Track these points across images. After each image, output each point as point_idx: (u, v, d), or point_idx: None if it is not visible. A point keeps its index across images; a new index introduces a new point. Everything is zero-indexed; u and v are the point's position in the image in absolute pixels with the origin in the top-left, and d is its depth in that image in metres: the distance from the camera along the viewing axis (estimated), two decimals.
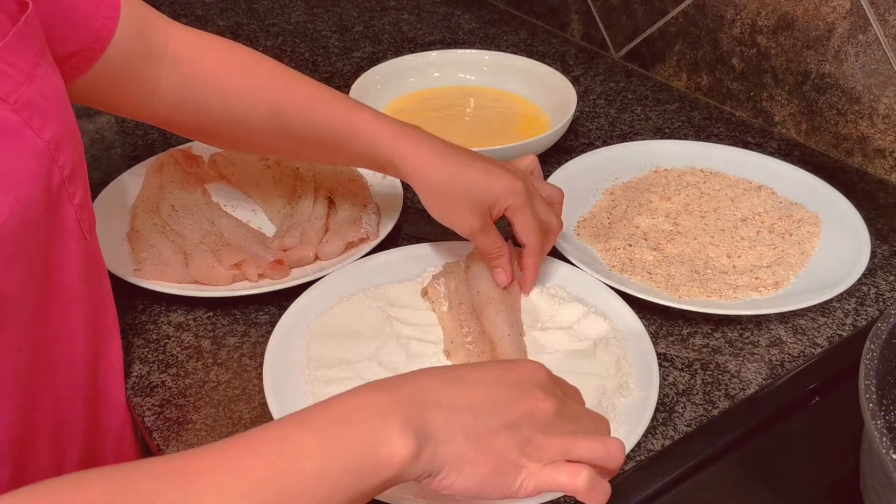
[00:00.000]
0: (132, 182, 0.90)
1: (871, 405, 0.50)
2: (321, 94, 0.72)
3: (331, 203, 0.86)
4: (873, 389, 0.51)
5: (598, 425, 0.52)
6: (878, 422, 0.49)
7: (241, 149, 0.85)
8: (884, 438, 0.48)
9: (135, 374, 0.70)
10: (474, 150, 0.88)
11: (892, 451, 0.47)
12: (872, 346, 0.54)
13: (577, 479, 0.47)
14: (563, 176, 0.89)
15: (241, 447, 0.43)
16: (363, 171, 0.91)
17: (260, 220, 0.87)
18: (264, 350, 0.68)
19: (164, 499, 0.39)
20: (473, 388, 0.48)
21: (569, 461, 0.48)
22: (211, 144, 0.79)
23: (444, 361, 0.69)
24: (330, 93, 0.72)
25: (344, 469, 0.43)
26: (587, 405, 0.63)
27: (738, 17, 1.03)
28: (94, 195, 0.86)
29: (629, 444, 0.60)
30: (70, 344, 0.59)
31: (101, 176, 0.92)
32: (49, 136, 0.52)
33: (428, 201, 0.71)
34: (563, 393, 0.52)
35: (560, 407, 0.49)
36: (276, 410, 0.62)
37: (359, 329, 0.71)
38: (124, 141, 1.03)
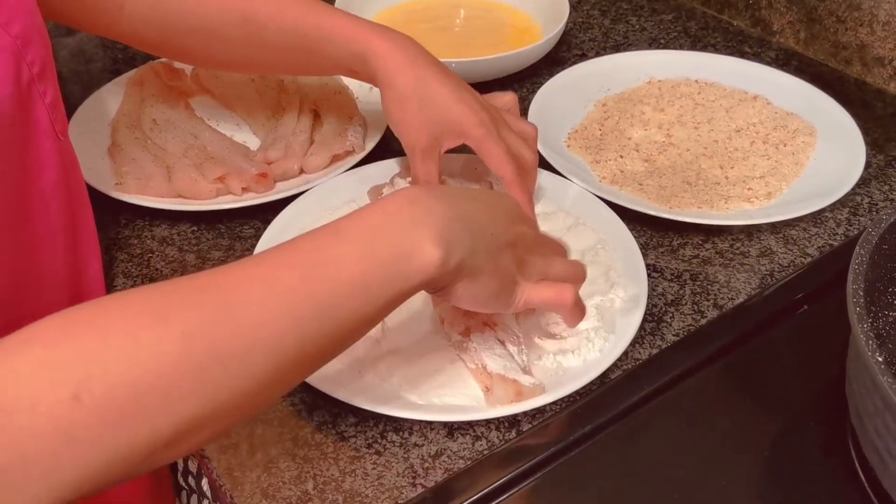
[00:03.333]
0: (112, 96, 0.88)
1: (858, 309, 0.50)
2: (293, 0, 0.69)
3: (316, 116, 0.84)
4: (861, 294, 0.51)
5: (561, 249, 0.60)
6: (865, 325, 0.48)
7: (214, 65, 0.82)
8: (870, 342, 0.48)
9: (118, 288, 0.69)
10: (465, 60, 0.86)
11: (877, 354, 0.47)
12: (862, 251, 0.54)
13: (564, 294, 0.54)
14: (555, 87, 0.87)
15: (278, 260, 0.44)
16: (349, 84, 0.89)
17: (244, 134, 0.85)
18: None
19: (206, 310, 0.40)
20: (481, 209, 0.52)
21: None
22: (183, 62, 0.77)
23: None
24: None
25: (379, 276, 0.45)
26: None
27: None
28: (74, 109, 0.85)
29: (616, 353, 0.60)
30: (51, 245, 0.58)
31: (80, 90, 0.90)
32: (17, 31, 0.51)
33: (387, 104, 0.68)
34: (536, 228, 0.58)
35: (536, 233, 0.56)
36: None
37: None
38: (104, 54, 1.00)
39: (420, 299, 0.65)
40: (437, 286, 0.49)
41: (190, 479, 0.75)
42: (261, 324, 0.41)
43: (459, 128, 0.66)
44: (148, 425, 0.38)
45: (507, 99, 0.73)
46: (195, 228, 0.75)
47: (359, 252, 0.45)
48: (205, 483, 0.71)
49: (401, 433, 0.58)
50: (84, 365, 0.37)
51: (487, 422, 0.58)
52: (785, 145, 0.81)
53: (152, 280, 0.70)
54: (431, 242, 0.46)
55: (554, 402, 0.58)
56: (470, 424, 0.58)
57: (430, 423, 0.58)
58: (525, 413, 0.58)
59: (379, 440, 0.57)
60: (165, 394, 0.38)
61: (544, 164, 0.77)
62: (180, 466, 0.77)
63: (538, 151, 0.73)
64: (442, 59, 0.88)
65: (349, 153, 0.80)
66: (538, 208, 0.74)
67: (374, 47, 0.66)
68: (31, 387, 0.36)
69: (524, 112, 0.85)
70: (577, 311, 0.56)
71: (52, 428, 0.35)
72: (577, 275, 0.58)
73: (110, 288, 0.69)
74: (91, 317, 0.39)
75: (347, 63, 0.68)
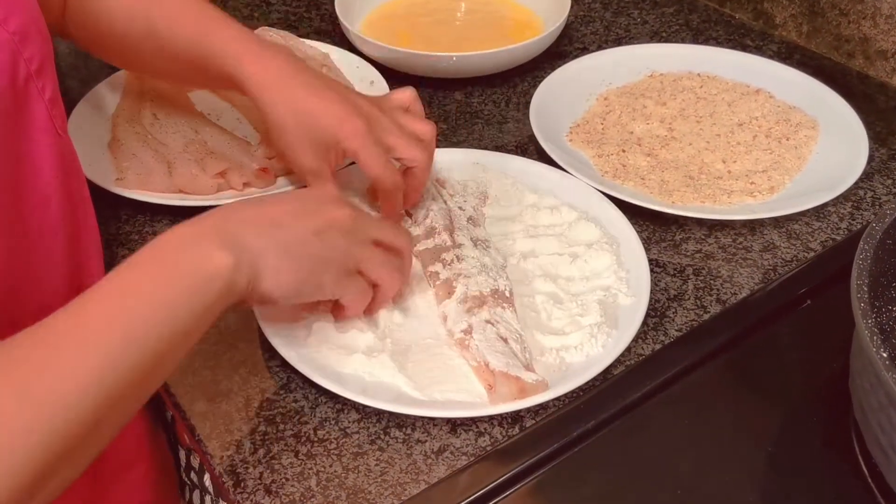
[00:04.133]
0: (112, 91, 0.88)
1: (862, 304, 0.50)
2: (191, 7, 0.68)
3: None
4: (865, 289, 0.51)
5: (398, 233, 0.60)
6: (869, 321, 0.48)
7: (136, 69, 0.81)
8: (874, 337, 0.47)
9: None
10: (465, 54, 0.86)
11: (881, 350, 0.47)
12: (866, 247, 0.53)
13: (348, 312, 0.60)
14: (556, 81, 0.87)
15: (85, 306, 0.45)
16: (350, 78, 0.89)
17: (245, 128, 0.85)
18: None
19: (28, 367, 0.41)
20: (274, 206, 0.54)
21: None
22: (117, 65, 0.78)
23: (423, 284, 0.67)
24: (200, 5, 0.68)
25: (180, 291, 0.47)
26: (578, 310, 0.63)
27: None
28: (74, 104, 0.84)
29: (619, 349, 0.60)
30: (51, 241, 0.58)
31: (80, 85, 0.89)
32: (14, 27, 0.51)
33: (269, 131, 0.66)
34: (357, 209, 0.58)
35: (354, 214, 0.56)
36: (261, 315, 0.62)
37: None
38: None
39: (422, 297, 0.65)
40: (243, 290, 0.50)
41: (192, 475, 0.75)
42: (78, 369, 0.42)
43: (336, 139, 0.64)
44: (23, 470, 0.39)
45: (403, 97, 0.70)
46: None
47: (154, 277, 0.47)
48: (207, 479, 0.72)
49: (404, 429, 0.57)
50: None
51: (490, 418, 0.58)
52: (787, 139, 0.81)
53: None
54: (219, 249, 0.48)
55: (557, 398, 0.58)
56: (473, 420, 0.58)
57: (433, 419, 0.58)
58: (528, 409, 0.58)
59: (382, 436, 0.57)
60: (24, 446, 0.39)
61: (546, 159, 0.77)
62: (183, 462, 0.77)
63: (434, 151, 0.69)
64: (442, 53, 0.88)
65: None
66: (542, 201, 0.73)
67: (245, 69, 0.65)
68: None
69: (526, 105, 0.85)
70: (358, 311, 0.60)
71: None
72: (390, 263, 0.59)
73: None
74: None
75: (230, 82, 0.66)
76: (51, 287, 0.59)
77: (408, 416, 0.58)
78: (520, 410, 0.57)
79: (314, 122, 0.64)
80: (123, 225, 0.75)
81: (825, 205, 0.74)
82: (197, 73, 0.69)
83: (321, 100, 0.64)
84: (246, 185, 0.76)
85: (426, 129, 0.68)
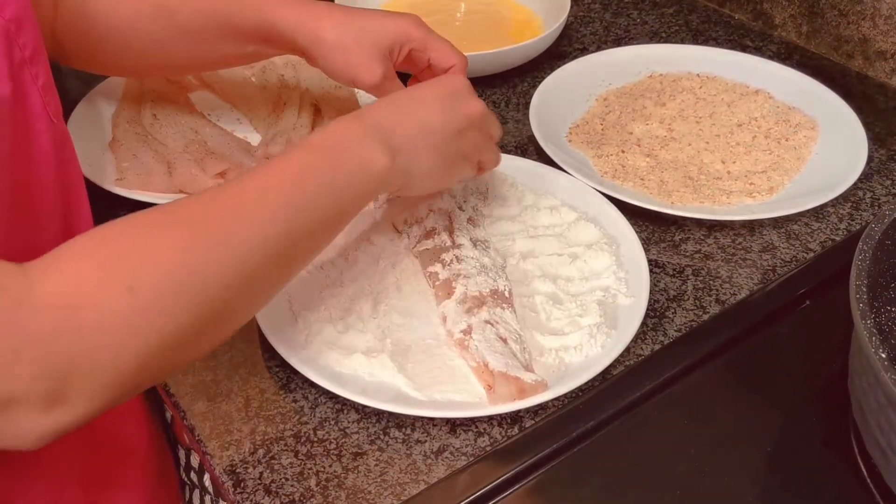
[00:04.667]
0: (112, 91, 0.88)
1: (861, 305, 0.50)
2: None
3: (317, 111, 0.84)
4: (864, 290, 0.51)
5: (498, 127, 0.67)
6: (868, 321, 0.48)
7: (136, 68, 0.80)
8: (873, 338, 0.48)
9: None
10: (465, 55, 0.86)
11: (880, 350, 0.47)
12: (865, 247, 0.54)
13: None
14: (556, 81, 0.87)
15: (268, 172, 0.52)
16: None
17: (245, 129, 0.85)
18: None
19: (218, 217, 0.48)
20: (423, 108, 0.60)
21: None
22: (112, 73, 0.79)
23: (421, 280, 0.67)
24: None
25: (346, 176, 0.54)
26: (577, 310, 0.63)
27: None
28: (74, 105, 0.84)
29: (618, 349, 0.60)
30: (45, 231, 0.58)
31: (80, 85, 0.89)
32: (9, 15, 0.51)
33: (324, 61, 0.67)
34: (482, 103, 0.63)
35: (486, 109, 0.63)
36: (261, 315, 0.62)
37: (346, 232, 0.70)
38: None
39: (422, 298, 0.65)
40: (395, 183, 0.58)
41: (192, 474, 0.75)
42: (259, 221, 0.49)
43: (402, 35, 0.67)
44: (190, 310, 0.45)
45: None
46: None
47: (327, 163, 0.54)
48: (207, 478, 0.72)
49: (403, 429, 0.58)
50: (130, 263, 0.43)
51: (490, 418, 0.58)
52: (787, 140, 0.81)
53: None
54: (380, 152, 0.55)
55: (556, 399, 0.58)
56: (472, 421, 0.58)
57: (433, 419, 0.58)
58: (527, 409, 0.58)
59: (381, 436, 0.57)
60: (199, 283, 0.45)
61: (545, 159, 0.77)
62: (183, 461, 0.77)
63: None
64: None
65: None
66: (542, 202, 0.73)
67: (284, 12, 0.66)
68: (89, 285, 0.42)
69: (525, 105, 0.85)
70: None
71: (114, 319, 0.42)
72: (498, 152, 0.67)
73: None
74: (121, 230, 0.46)
75: (263, 34, 0.68)
76: None
77: (407, 417, 0.58)
78: (519, 411, 0.58)
79: (376, 28, 0.66)
80: None
81: (824, 205, 0.74)
82: (226, 47, 0.71)
83: (367, 14, 0.68)
84: None
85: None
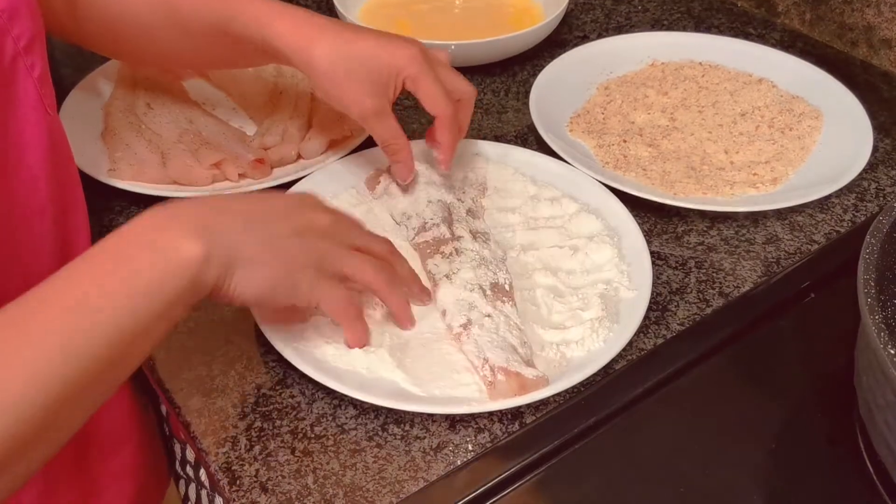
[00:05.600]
0: (105, 79, 0.86)
1: (869, 300, 0.49)
2: None
3: (313, 100, 0.83)
4: (872, 284, 0.50)
5: (374, 241, 0.58)
6: (876, 317, 0.47)
7: (151, 61, 0.79)
8: (882, 333, 0.47)
9: None
10: (465, 42, 0.84)
11: (889, 346, 0.46)
12: (873, 241, 0.52)
13: (349, 311, 0.56)
14: (557, 70, 0.86)
15: (36, 303, 0.43)
16: None
17: (240, 118, 0.84)
18: None
19: None
20: (255, 203, 0.53)
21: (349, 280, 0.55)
22: (125, 61, 0.77)
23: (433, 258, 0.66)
24: None
25: (141, 284, 0.44)
26: (578, 304, 0.62)
27: None
28: (67, 93, 0.83)
29: (621, 343, 0.59)
30: (37, 223, 0.57)
31: (73, 73, 0.88)
32: (2, 6, 0.50)
33: (316, 83, 0.64)
34: (337, 214, 0.57)
35: (335, 219, 0.55)
36: (256, 313, 0.60)
37: None
38: None
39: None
40: (213, 285, 0.48)
41: (188, 468, 0.74)
42: (29, 363, 0.40)
43: (395, 70, 0.62)
44: None
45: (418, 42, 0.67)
46: None
47: (114, 266, 0.44)
48: (203, 473, 0.71)
49: (402, 425, 0.57)
50: None
51: (490, 414, 0.57)
52: (791, 129, 0.80)
53: None
54: (189, 237, 0.46)
55: (558, 394, 0.57)
56: (472, 416, 0.57)
57: (432, 415, 0.57)
58: (528, 405, 0.57)
59: (380, 433, 0.56)
60: None
61: (546, 149, 0.76)
62: (178, 455, 0.76)
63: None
64: (441, 42, 0.87)
65: (348, 138, 0.78)
66: (542, 193, 0.72)
67: (277, 27, 0.63)
68: None
69: (525, 94, 0.84)
70: (356, 328, 0.57)
71: None
72: (377, 271, 0.56)
73: None
74: None
75: (259, 46, 0.65)
76: (36, 267, 0.58)
77: (406, 413, 0.57)
78: (520, 406, 0.57)
79: (369, 58, 0.62)
80: (116, 217, 0.74)
81: (829, 196, 0.73)
82: (225, 50, 0.68)
83: (368, 37, 0.63)
84: (242, 176, 0.75)
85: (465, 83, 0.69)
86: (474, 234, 0.66)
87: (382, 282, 0.57)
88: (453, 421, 0.57)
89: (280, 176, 0.75)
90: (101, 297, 0.43)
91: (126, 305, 0.43)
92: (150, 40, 0.69)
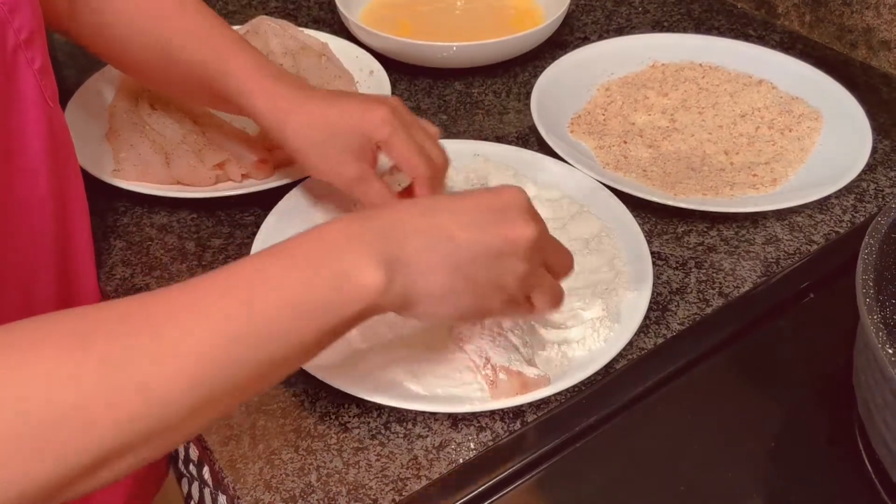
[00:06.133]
0: (109, 80, 0.87)
1: (867, 300, 0.49)
2: (205, 30, 0.66)
3: None
4: (871, 284, 0.50)
5: (566, 256, 0.55)
6: (875, 316, 0.48)
7: (135, 75, 0.78)
8: (880, 333, 0.47)
9: (118, 276, 0.68)
10: (466, 44, 0.85)
11: (887, 346, 0.46)
12: (871, 241, 0.53)
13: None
14: (557, 71, 0.86)
15: (211, 284, 0.41)
16: (349, 67, 0.88)
17: (242, 119, 0.83)
18: (249, 252, 0.66)
19: (130, 338, 0.38)
20: (453, 216, 0.47)
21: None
22: (114, 66, 0.76)
23: None
24: (215, 27, 0.67)
25: (315, 299, 0.42)
26: (579, 304, 0.62)
27: None
28: (71, 94, 0.83)
29: (621, 343, 0.59)
30: (37, 217, 0.57)
31: (77, 74, 0.88)
32: None
33: (296, 157, 0.64)
34: (540, 219, 0.51)
35: (539, 234, 0.49)
36: None
37: None
38: None
39: None
40: (391, 304, 0.45)
41: (191, 466, 0.75)
42: (185, 353, 0.38)
43: (366, 135, 0.61)
44: (61, 456, 0.35)
45: (391, 101, 0.65)
46: (195, 216, 0.74)
47: (292, 277, 0.42)
48: (206, 471, 0.71)
49: (404, 424, 0.57)
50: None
51: (492, 412, 0.57)
52: (790, 130, 0.81)
53: (151, 269, 0.69)
54: (369, 263, 0.43)
55: (559, 393, 0.57)
56: (474, 415, 0.57)
57: (434, 413, 0.57)
58: (530, 404, 0.57)
59: (382, 431, 0.57)
60: (80, 424, 0.36)
61: (547, 150, 0.76)
62: (181, 454, 0.76)
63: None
64: (442, 43, 0.87)
65: None
66: (543, 194, 0.73)
67: (255, 101, 0.63)
68: None
69: (527, 95, 0.84)
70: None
71: None
72: (553, 304, 0.54)
73: (109, 277, 0.68)
74: (11, 340, 0.37)
75: (231, 100, 0.65)
76: (36, 260, 0.58)
77: (409, 411, 0.57)
78: (522, 405, 0.57)
79: (340, 127, 0.62)
80: (121, 217, 0.74)
81: (828, 197, 0.74)
82: (210, 98, 0.69)
83: (338, 105, 0.62)
84: (245, 176, 0.75)
85: (433, 129, 0.66)
86: None
87: (552, 309, 0.55)
88: (455, 420, 0.57)
89: (283, 176, 0.75)
90: (270, 296, 0.41)
91: (296, 310, 0.41)
92: (135, 60, 0.70)
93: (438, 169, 0.64)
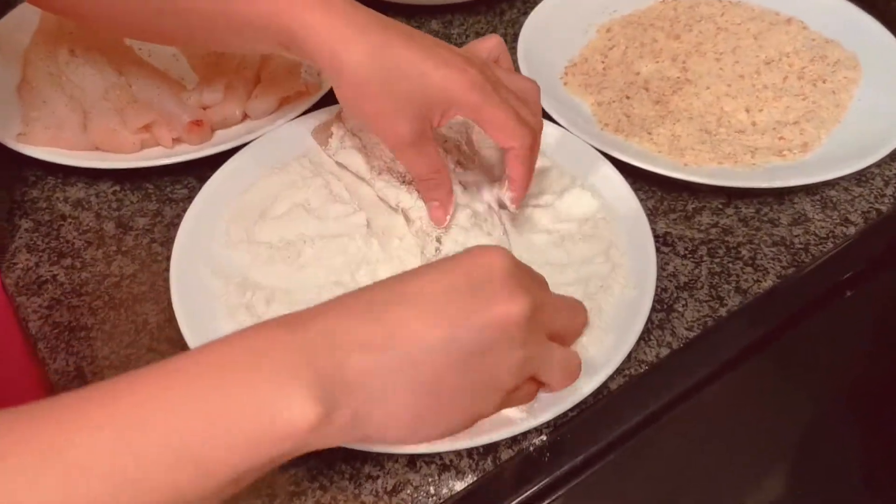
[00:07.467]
0: (28, 20, 0.74)
1: None
2: None
3: None
4: None
5: (575, 315, 0.46)
6: None
7: (107, 25, 0.63)
8: None
9: (20, 266, 0.58)
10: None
11: None
12: None
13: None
14: (550, 8, 0.74)
15: (77, 414, 0.32)
16: None
17: (181, 67, 0.72)
18: (177, 234, 0.55)
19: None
20: (413, 311, 0.37)
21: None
22: (103, 29, 0.63)
23: (408, 242, 0.56)
24: None
25: (220, 445, 0.32)
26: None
27: None
28: None
29: (616, 360, 0.49)
30: None
31: None
32: None
33: (342, 95, 0.51)
34: (532, 282, 0.41)
35: (532, 305, 0.39)
36: (183, 315, 0.50)
37: (295, 207, 0.58)
38: None
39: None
40: (332, 440, 0.36)
41: None
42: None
43: (447, 97, 0.49)
44: None
45: (491, 45, 0.54)
46: (117, 189, 0.63)
47: (192, 407, 0.32)
48: None
49: (351, 462, 0.47)
50: None
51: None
52: (824, 81, 0.68)
53: (61, 256, 0.58)
54: (307, 396, 0.33)
55: (540, 425, 0.47)
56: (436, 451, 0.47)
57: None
58: (504, 439, 0.47)
59: (324, 471, 0.47)
60: None
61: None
62: None
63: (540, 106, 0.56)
64: None
65: (302, 95, 0.67)
66: None
67: (305, 17, 0.48)
68: None
69: (514, 38, 0.72)
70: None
71: None
72: (566, 378, 0.45)
73: (10, 266, 0.57)
74: None
75: (273, 32, 0.50)
76: None
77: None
78: (497, 441, 0.47)
79: (412, 76, 0.48)
80: (30, 189, 0.63)
81: (867, 167, 0.62)
82: (233, 36, 0.53)
83: (417, 48, 0.48)
84: (176, 141, 0.64)
85: (531, 86, 0.54)
86: (465, 185, 0.56)
87: (566, 387, 0.45)
88: (413, 456, 0.47)
89: (222, 141, 0.64)
90: (162, 434, 0.32)
91: (197, 471, 0.32)
92: (141, 23, 0.56)
93: (536, 136, 0.52)
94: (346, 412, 0.35)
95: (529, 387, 0.44)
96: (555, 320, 0.43)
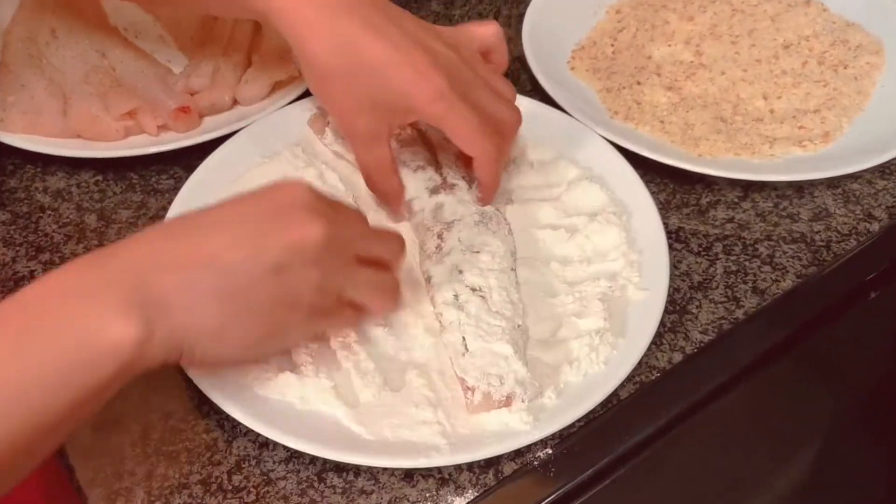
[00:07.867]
0: None
1: None
2: None
3: (257, 29, 0.67)
4: None
5: (387, 241, 0.47)
6: None
7: None
8: None
9: None
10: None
11: None
12: None
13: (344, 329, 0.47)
14: None
15: None
16: None
17: (168, 51, 0.69)
18: None
19: None
20: (216, 234, 0.40)
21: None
22: None
23: (406, 233, 0.53)
24: None
25: (54, 371, 0.35)
26: (574, 307, 0.49)
27: None
28: None
29: (627, 366, 0.46)
30: None
31: None
32: None
33: (308, 79, 0.51)
34: (333, 211, 0.43)
35: (329, 229, 0.41)
36: None
37: None
38: None
39: None
40: (158, 363, 0.38)
41: None
42: None
43: (407, 104, 0.48)
44: None
45: (486, 33, 0.53)
46: (99, 178, 0.60)
47: (19, 342, 0.35)
48: None
49: (344, 475, 0.44)
50: None
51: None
52: (845, 67, 0.65)
53: (39, 250, 0.55)
54: (120, 314, 0.36)
55: (546, 437, 0.44)
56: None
57: None
58: (508, 452, 0.44)
59: (315, 484, 0.44)
60: None
61: (541, 95, 0.62)
62: None
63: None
64: None
65: (295, 79, 0.63)
66: (533, 154, 0.58)
67: (276, 1, 0.48)
68: None
69: (518, 19, 0.68)
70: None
71: None
72: (382, 299, 0.47)
73: None
74: None
75: (251, 9, 0.50)
76: None
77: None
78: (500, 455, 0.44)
79: (375, 78, 0.48)
80: (7, 179, 0.60)
81: (892, 158, 0.59)
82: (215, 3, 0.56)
83: (385, 45, 0.47)
84: (161, 128, 0.61)
85: (507, 89, 0.53)
86: (469, 181, 0.54)
87: (385, 308, 0.48)
88: (409, 470, 0.44)
89: (211, 129, 0.61)
90: (9, 373, 0.35)
91: (34, 390, 0.35)
92: None
93: (507, 139, 0.52)
94: (163, 327, 0.37)
95: (347, 311, 0.45)
96: (363, 247, 0.44)
